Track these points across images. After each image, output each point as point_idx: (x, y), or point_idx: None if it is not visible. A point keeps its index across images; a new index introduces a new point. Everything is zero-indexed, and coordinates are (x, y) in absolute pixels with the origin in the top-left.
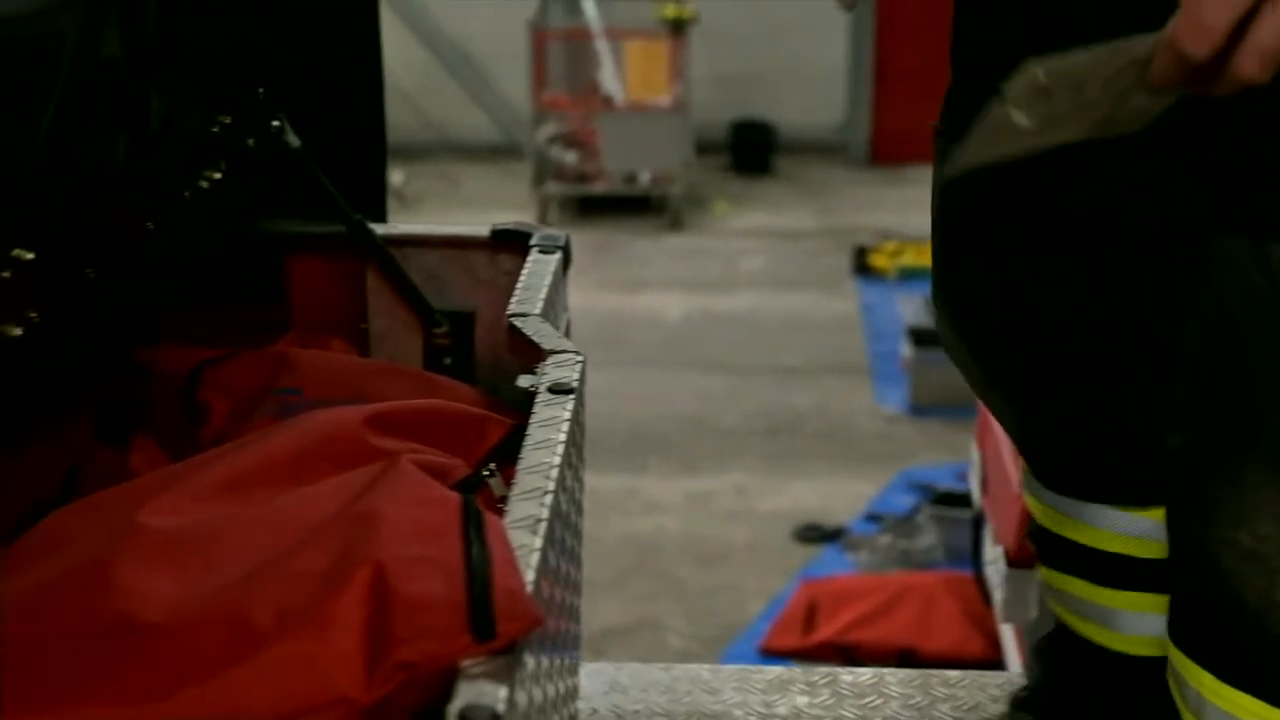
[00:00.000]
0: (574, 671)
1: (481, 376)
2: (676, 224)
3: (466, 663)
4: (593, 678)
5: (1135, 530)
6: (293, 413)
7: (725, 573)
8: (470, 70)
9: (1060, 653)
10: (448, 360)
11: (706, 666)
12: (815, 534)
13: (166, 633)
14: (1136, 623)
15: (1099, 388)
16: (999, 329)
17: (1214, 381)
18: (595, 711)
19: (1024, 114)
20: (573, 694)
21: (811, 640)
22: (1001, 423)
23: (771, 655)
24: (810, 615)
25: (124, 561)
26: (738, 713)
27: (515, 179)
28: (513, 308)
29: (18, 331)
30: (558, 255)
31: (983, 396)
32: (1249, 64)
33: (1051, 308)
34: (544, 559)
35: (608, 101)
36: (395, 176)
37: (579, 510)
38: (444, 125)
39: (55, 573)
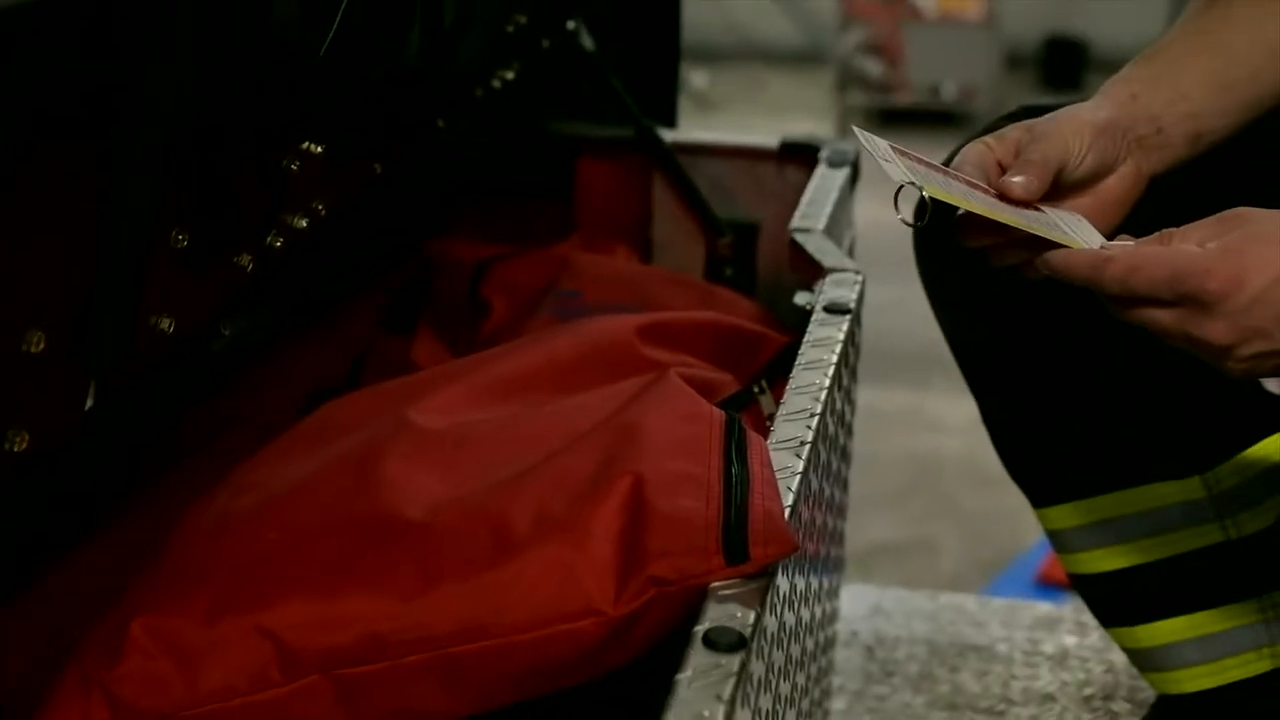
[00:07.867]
0: (834, 595)
1: (762, 290)
2: None
3: (717, 584)
4: (856, 600)
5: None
6: (572, 315)
7: (1006, 498)
8: None
9: None
10: (729, 271)
11: (973, 597)
12: None
13: (428, 531)
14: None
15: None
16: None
17: None
18: (855, 634)
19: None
20: (832, 617)
21: None
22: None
23: (1048, 586)
24: None
25: (393, 458)
26: (1002, 648)
27: (818, 87)
28: (795, 222)
29: (304, 223)
30: (846, 170)
31: None
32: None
33: None
34: (805, 482)
35: (916, 11)
36: (700, 79)
37: (848, 432)
38: (748, 28)
39: (328, 461)
